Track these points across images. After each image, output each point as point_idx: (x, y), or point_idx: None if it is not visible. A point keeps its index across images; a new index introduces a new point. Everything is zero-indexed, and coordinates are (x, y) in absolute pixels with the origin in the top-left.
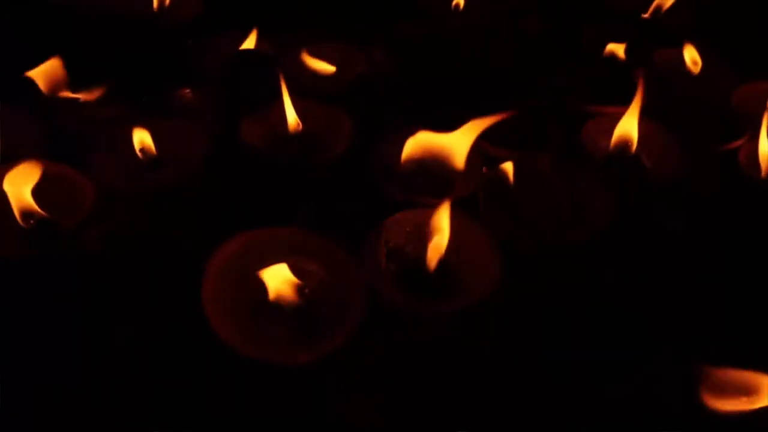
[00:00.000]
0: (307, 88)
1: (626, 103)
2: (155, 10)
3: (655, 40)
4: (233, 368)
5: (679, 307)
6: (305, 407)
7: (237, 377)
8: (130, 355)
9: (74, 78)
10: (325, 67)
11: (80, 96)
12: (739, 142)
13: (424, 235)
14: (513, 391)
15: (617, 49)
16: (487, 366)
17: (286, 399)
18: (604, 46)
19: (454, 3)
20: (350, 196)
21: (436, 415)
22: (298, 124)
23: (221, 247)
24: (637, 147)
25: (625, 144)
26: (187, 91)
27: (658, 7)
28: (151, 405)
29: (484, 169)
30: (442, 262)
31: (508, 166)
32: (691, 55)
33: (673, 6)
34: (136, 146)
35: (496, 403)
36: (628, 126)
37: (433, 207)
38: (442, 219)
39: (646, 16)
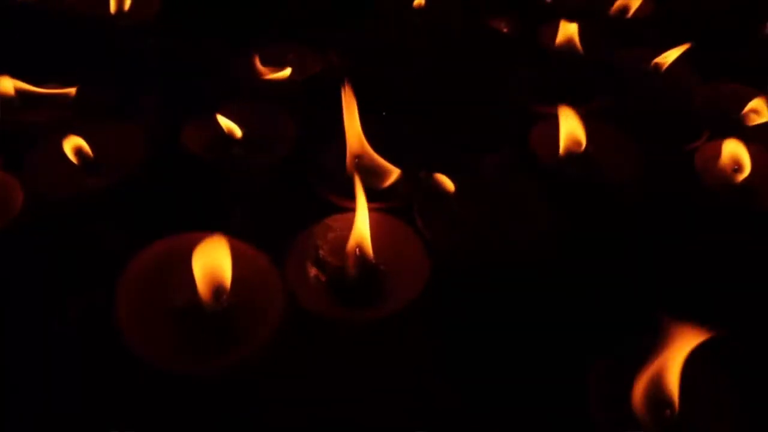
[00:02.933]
0: (258, 89)
1: (585, 103)
2: (113, 12)
3: (618, 39)
4: (144, 376)
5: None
6: (218, 415)
7: (149, 386)
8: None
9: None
10: (278, 69)
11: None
12: (696, 144)
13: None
14: (435, 402)
15: (578, 48)
16: (408, 375)
17: (198, 407)
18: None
19: (415, 3)
20: (287, 200)
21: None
22: (239, 130)
23: (139, 253)
24: (590, 149)
25: (574, 147)
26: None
27: (624, 7)
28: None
29: (421, 174)
30: (369, 269)
31: (441, 176)
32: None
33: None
34: (71, 151)
35: (416, 412)
36: (572, 128)
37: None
38: (362, 226)
39: (610, 13)
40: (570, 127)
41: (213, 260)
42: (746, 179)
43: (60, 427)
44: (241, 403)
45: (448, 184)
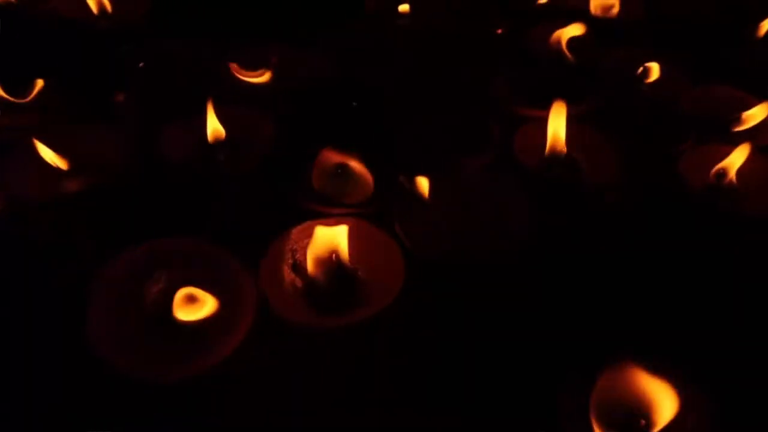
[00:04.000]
0: (241, 92)
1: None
2: (96, 14)
3: (606, 41)
4: (115, 381)
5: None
6: (187, 421)
7: (120, 391)
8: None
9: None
10: (261, 72)
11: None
12: (682, 147)
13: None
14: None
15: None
16: (380, 383)
17: (169, 413)
18: (553, 48)
19: (402, 6)
20: (265, 205)
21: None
22: (220, 134)
23: (112, 259)
24: (575, 152)
25: (558, 150)
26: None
27: (613, 9)
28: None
29: (401, 178)
30: (345, 275)
31: (421, 180)
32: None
33: (625, 7)
34: (49, 155)
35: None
36: (558, 130)
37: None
38: (337, 232)
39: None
40: (557, 127)
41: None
42: (732, 184)
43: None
44: (210, 410)
45: (427, 188)
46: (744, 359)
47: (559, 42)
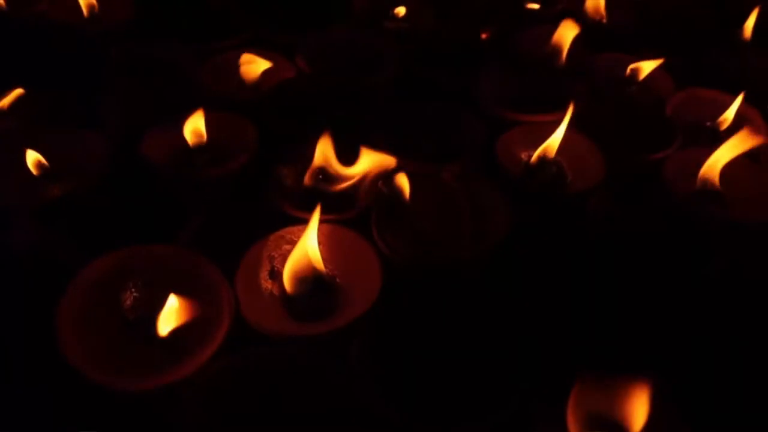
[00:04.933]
0: (224, 96)
1: (557, 110)
2: (85, 17)
3: (595, 45)
4: (84, 390)
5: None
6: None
7: (89, 400)
8: None
9: None
10: (246, 75)
11: None
12: (666, 152)
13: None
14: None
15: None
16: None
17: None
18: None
19: (395, 10)
20: (244, 211)
21: None
22: (201, 139)
23: (87, 265)
24: (559, 157)
25: (546, 157)
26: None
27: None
28: None
29: (379, 183)
30: (322, 282)
31: (403, 180)
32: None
33: (615, 11)
34: (29, 161)
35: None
36: (554, 140)
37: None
38: (309, 237)
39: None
40: (556, 135)
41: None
42: (717, 189)
43: None
44: (184, 419)
45: (407, 193)
46: (719, 370)
47: (548, 45)
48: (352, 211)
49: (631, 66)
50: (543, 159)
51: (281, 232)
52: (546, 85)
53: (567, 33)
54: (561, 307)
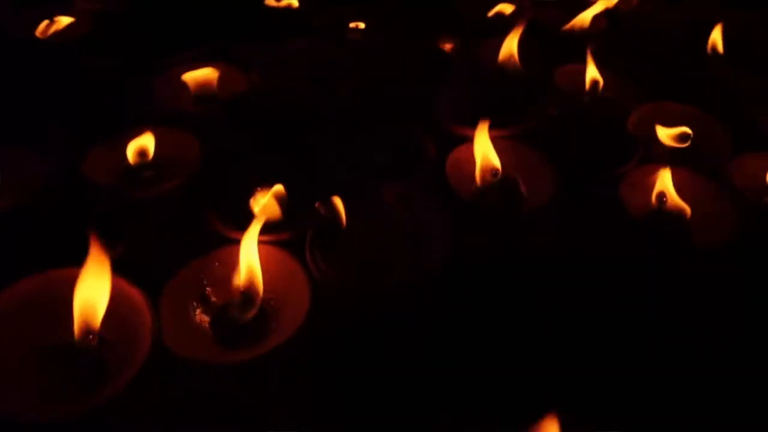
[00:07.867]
0: (167, 113)
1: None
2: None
3: (558, 56)
4: None
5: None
6: None
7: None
8: None
9: None
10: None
11: None
12: (624, 168)
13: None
14: None
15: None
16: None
17: None
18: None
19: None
20: (182, 229)
21: None
22: (146, 157)
23: (6, 289)
24: (511, 174)
25: (490, 175)
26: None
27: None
28: None
29: (317, 204)
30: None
31: (338, 202)
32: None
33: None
34: None
35: None
36: (487, 153)
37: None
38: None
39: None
40: (485, 153)
41: (90, 295)
42: (675, 207)
43: None
44: None
45: (343, 214)
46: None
47: (506, 56)
48: (289, 232)
49: (592, 77)
50: (489, 179)
51: (212, 255)
52: (505, 98)
53: (513, 42)
54: (507, 335)
